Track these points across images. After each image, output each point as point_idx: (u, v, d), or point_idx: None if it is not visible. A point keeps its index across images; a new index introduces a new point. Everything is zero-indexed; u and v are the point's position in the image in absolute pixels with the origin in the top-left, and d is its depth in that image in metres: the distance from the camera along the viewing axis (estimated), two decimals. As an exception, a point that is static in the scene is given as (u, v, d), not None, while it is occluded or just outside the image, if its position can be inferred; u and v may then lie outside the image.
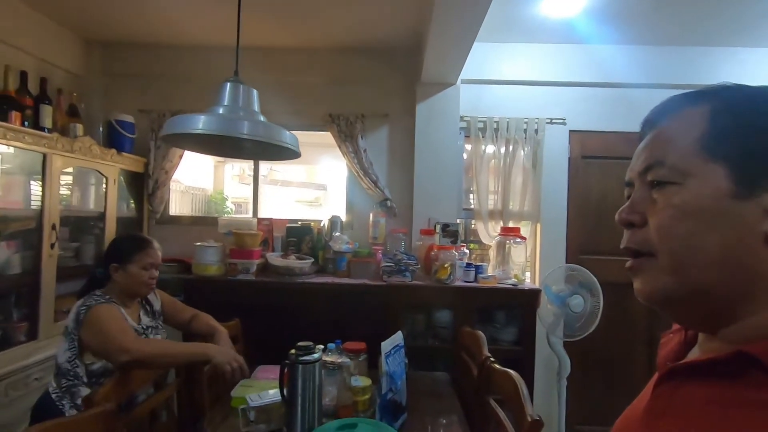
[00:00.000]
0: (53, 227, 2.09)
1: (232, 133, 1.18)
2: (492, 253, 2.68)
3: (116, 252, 1.56)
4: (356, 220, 2.86)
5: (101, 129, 2.58)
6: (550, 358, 2.55)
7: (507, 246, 2.55)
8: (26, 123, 2.03)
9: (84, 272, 2.40)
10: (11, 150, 1.89)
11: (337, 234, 2.65)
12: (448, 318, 2.38)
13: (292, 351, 1.39)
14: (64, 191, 2.29)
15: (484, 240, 2.76)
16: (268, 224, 2.70)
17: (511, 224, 2.69)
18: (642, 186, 0.48)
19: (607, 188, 2.81)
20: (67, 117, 2.32)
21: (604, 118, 2.80)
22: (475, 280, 2.41)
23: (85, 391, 1.36)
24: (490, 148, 2.77)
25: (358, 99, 2.84)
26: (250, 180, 3.16)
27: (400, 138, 2.85)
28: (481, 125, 2.75)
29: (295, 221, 2.77)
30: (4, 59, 2.07)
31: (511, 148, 2.73)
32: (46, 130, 2.10)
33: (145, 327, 1.61)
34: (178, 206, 3.42)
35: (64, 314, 2.23)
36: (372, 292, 2.36)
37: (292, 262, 2.47)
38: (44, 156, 2.05)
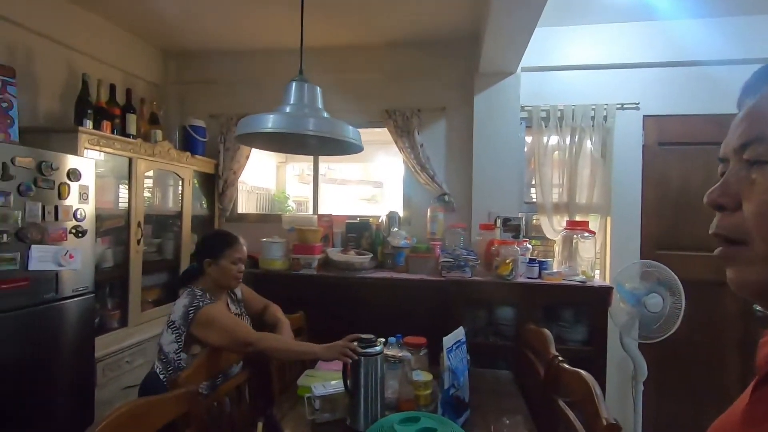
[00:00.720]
0: (139, 225, 2.30)
1: (300, 129, 1.22)
2: (557, 248, 2.56)
3: (208, 248, 1.68)
4: (414, 216, 2.86)
5: (177, 134, 2.79)
6: (624, 361, 2.38)
7: (574, 241, 2.42)
8: (114, 131, 2.25)
9: (165, 267, 2.64)
10: (103, 156, 2.11)
11: (395, 229, 2.66)
12: (510, 315, 2.31)
13: (355, 343, 1.42)
14: (146, 192, 2.50)
15: (549, 235, 2.64)
16: (328, 220, 2.77)
17: (578, 218, 2.54)
18: (738, 164, 0.42)
19: (689, 177, 2.56)
20: (149, 124, 2.54)
21: (684, 101, 2.55)
22: (539, 276, 2.31)
23: None
24: (554, 139, 2.63)
25: (415, 93, 2.83)
26: (310, 179, 3.27)
27: (458, 131, 2.80)
28: (543, 114, 2.62)
29: (354, 217, 2.82)
30: (96, 74, 2.30)
31: (577, 137, 2.58)
32: (131, 137, 2.31)
33: (234, 315, 1.72)
34: (244, 205, 3.62)
35: (149, 304, 2.46)
36: (431, 287, 2.35)
37: (352, 257, 2.52)
38: (130, 160, 2.26)
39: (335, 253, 2.57)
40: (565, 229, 2.49)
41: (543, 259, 2.38)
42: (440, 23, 2.55)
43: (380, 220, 2.78)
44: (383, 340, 1.50)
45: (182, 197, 2.69)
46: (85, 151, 1.95)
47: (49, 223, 1.61)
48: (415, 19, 2.50)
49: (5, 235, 1.45)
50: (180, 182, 2.69)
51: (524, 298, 2.25)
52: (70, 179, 1.70)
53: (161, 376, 1.53)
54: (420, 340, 1.68)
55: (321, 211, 3.04)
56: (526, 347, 1.93)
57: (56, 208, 1.64)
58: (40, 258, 1.56)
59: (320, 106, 1.37)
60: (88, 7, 2.40)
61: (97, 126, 2.14)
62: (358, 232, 2.74)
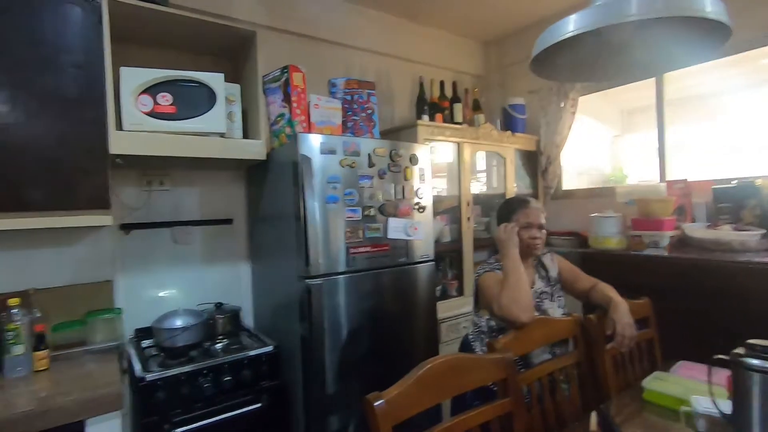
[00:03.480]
0: (468, 204, 2.50)
1: (616, 19, 0.83)
2: None
3: (502, 213, 1.67)
4: None
5: (498, 117, 2.87)
6: None
7: None
8: (444, 121, 2.53)
9: (492, 244, 2.75)
10: (437, 145, 2.40)
11: (812, 192, 1.72)
12: None
13: (739, 350, 0.97)
14: (473, 174, 2.69)
15: None
16: (682, 188, 2.12)
17: None
18: None
19: None
20: (472, 111, 2.73)
21: None
22: None
23: (489, 338, 1.50)
24: None
25: None
26: (653, 154, 2.59)
27: None
28: None
29: (727, 181, 2.03)
30: (429, 76, 2.68)
31: None
32: (458, 125, 2.54)
33: (539, 292, 1.59)
34: (572, 184, 3.32)
35: (479, 278, 2.63)
36: None
37: (727, 234, 1.82)
38: (458, 145, 2.48)
39: (698, 229, 1.92)
40: None
41: None
42: None
43: (778, 182, 1.88)
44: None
45: (505, 177, 2.74)
46: (424, 141, 2.29)
47: (399, 200, 1.96)
48: None
49: (372, 209, 1.87)
50: (503, 162, 2.74)
51: None
52: (411, 163, 2.02)
53: (470, 337, 1.65)
54: None
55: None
56: None
57: (403, 188, 1.99)
58: (394, 228, 1.93)
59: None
60: (423, 22, 2.82)
61: (431, 118, 2.48)
62: (736, 201, 1.95)
